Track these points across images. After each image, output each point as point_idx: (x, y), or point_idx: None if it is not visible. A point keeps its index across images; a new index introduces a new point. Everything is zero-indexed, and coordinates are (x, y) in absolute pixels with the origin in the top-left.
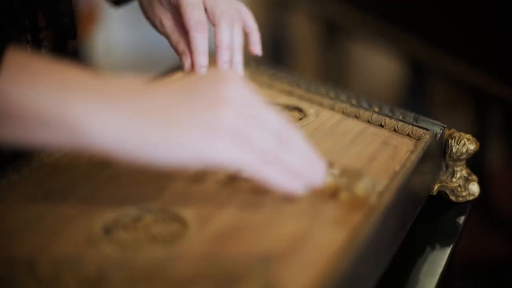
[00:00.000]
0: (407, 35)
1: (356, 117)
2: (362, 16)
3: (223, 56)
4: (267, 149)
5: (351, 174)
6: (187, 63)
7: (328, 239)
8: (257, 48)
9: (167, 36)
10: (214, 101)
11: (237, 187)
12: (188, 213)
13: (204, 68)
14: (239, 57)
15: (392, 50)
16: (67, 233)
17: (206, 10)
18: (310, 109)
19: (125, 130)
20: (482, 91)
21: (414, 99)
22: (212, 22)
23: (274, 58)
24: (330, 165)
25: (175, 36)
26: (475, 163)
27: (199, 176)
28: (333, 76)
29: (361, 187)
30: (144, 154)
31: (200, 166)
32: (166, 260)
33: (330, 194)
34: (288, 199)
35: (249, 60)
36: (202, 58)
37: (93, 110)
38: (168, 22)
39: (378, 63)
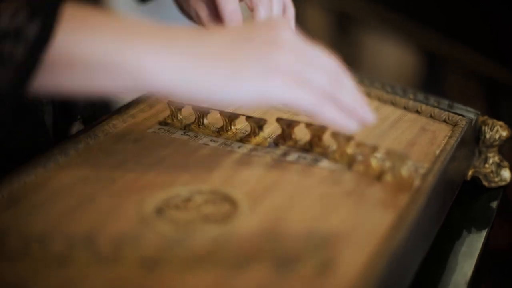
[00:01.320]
0: (421, 26)
1: (393, 103)
2: (375, 7)
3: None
4: (323, 88)
5: (394, 158)
6: None
7: (377, 220)
8: (291, 24)
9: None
10: (271, 43)
11: (284, 169)
12: (237, 195)
13: None
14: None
15: (405, 41)
16: (121, 212)
17: None
18: None
19: (186, 68)
20: (498, 82)
21: (427, 90)
22: (250, 8)
23: None
24: (375, 148)
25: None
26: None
27: (245, 159)
28: (345, 66)
29: (406, 169)
30: (205, 91)
31: (259, 104)
32: (222, 238)
33: (375, 176)
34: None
35: None
36: None
37: (154, 51)
38: (203, 13)
39: (391, 55)
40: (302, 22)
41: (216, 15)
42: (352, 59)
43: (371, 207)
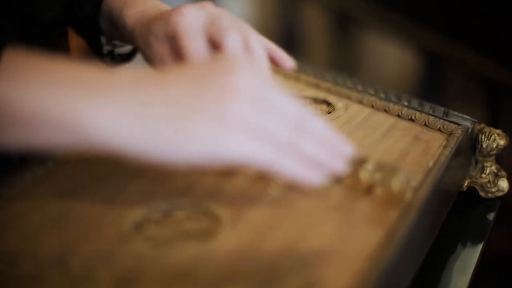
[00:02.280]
0: (421, 26)
1: (386, 111)
2: (375, 6)
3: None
4: (283, 139)
5: (385, 169)
6: None
7: (364, 237)
8: (289, 63)
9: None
10: (226, 92)
11: (268, 182)
12: (220, 209)
13: None
14: (279, 52)
15: (405, 41)
16: (97, 229)
17: (208, 35)
18: (339, 103)
19: (132, 126)
20: (499, 83)
21: (428, 91)
22: (217, 41)
23: (285, 49)
24: (364, 160)
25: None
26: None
27: (229, 171)
28: (345, 68)
29: (397, 182)
30: (153, 151)
31: (212, 163)
32: (201, 257)
33: (364, 189)
34: (310, 191)
35: None
36: None
37: (96, 107)
38: (169, 58)
39: (391, 55)
40: (301, 21)
41: (180, 56)
42: (352, 59)
43: (359, 223)
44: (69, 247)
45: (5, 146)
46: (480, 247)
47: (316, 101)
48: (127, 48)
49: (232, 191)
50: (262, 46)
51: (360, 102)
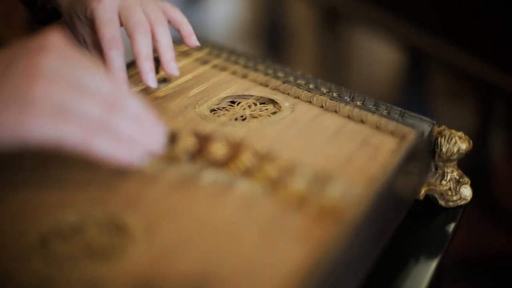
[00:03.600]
0: (408, 23)
1: (336, 111)
2: (363, 4)
3: (144, 66)
4: (92, 118)
5: (322, 179)
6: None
7: (289, 256)
8: (192, 40)
9: (91, 54)
10: (30, 75)
11: (194, 191)
12: (134, 222)
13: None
14: (168, 56)
15: (392, 38)
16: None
17: (121, 22)
18: (286, 102)
19: None
20: (484, 81)
21: (413, 89)
22: (128, 35)
23: (270, 44)
24: (298, 168)
25: (97, 54)
26: (477, 156)
27: (154, 178)
28: (330, 64)
29: (333, 194)
30: None
31: (16, 145)
32: (101, 280)
33: (296, 202)
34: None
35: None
36: (120, 74)
37: None
38: (89, 38)
39: (377, 52)
40: (287, 16)
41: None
42: (337, 55)
43: (285, 240)
44: None
45: None
46: (435, 262)
47: (261, 100)
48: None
49: (151, 201)
50: (167, 34)
51: (309, 101)
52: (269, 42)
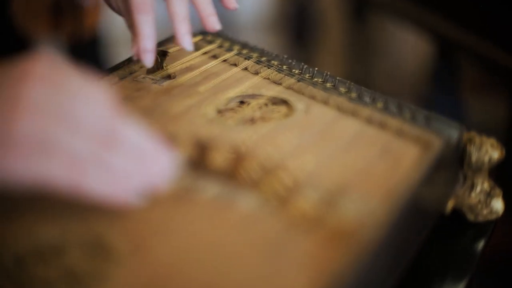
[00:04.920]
0: (439, 13)
1: (354, 115)
2: None
3: (181, 28)
4: (85, 155)
5: (336, 193)
6: (133, 49)
7: (294, 281)
8: (211, 21)
9: (123, 18)
10: (12, 106)
11: (193, 205)
12: (121, 242)
13: (149, 54)
14: (209, 10)
15: (420, 29)
16: None
17: None
18: (299, 104)
19: None
20: None
21: (442, 80)
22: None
23: (297, 33)
24: (308, 183)
25: (129, 18)
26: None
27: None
28: (358, 52)
29: (348, 211)
30: None
31: (9, 188)
32: None
33: (305, 220)
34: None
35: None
36: (146, 42)
37: None
38: (121, 2)
39: (407, 41)
40: (315, 3)
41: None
42: (365, 43)
43: (291, 263)
44: None
45: None
46: (462, 285)
47: (274, 101)
48: None
49: (138, 219)
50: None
51: (325, 103)
52: (295, 32)
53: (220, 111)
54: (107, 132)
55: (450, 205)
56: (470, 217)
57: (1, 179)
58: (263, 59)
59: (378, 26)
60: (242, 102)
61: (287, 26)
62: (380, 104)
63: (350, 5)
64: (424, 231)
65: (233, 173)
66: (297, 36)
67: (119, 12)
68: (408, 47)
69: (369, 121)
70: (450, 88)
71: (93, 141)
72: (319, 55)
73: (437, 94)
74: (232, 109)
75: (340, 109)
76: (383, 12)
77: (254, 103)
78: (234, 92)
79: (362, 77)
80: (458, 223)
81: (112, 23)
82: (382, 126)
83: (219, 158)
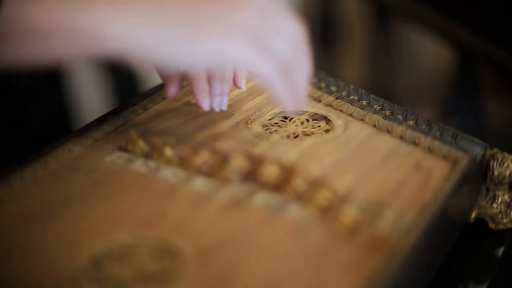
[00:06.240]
0: (459, 21)
1: (389, 132)
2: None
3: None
4: (283, 58)
5: (373, 207)
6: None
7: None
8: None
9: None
10: (234, 4)
11: (245, 215)
12: (186, 247)
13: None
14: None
15: (442, 35)
16: (47, 267)
17: None
18: (339, 120)
19: (143, 27)
20: None
21: (462, 86)
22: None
23: (321, 37)
24: (349, 197)
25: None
26: None
27: (205, 201)
28: (380, 58)
29: (384, 223)
30: (163, 53)
31: (217, 63)
32: None
33: (347, 230)
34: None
35: None
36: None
37: (110, 12)
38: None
39: (428, 48)
40: (338, 9)
41: None
42: (388, 48)
43: (337, 270)
44: None
45: (22, 62)
46: (485, 286)
47: (315, 117)
48: None
49: (204, 225)
50: None
51: (362, 120)
52: (319, 38)
53: (265, 126)
54: (297, 44)
55: (474, 214)
56: (492, 225)
57: (220, 55)
58: None
59: (400, 32)
60: (285, 117)
61: (311, 33)
62: (411, 122)
63: (373, 12)
64: (452, 238)
65: (281, 186)
66: (320, 43)
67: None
68: (429, 53)
69: (402, 138)
70: (470, 94)
71: (289, 48)
72: (342, 61)
73: (457, 100)
74: (276, 123)
75: (376, 126)
76: (405, 19)
77: (296, 118)
78: (278, 108)
79: (385, 82)
80: (481, 231)
81: None
82: (414, 143)
83: (268, 171)
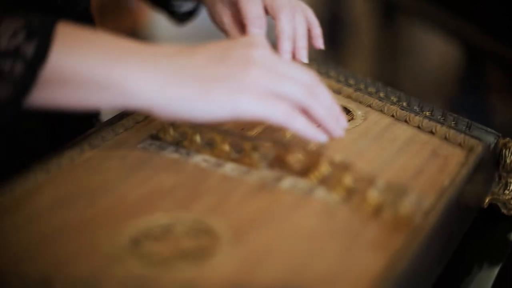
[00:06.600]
0: (464, 19)
1: (406, 121)
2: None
3: (284, 46)
4: (296, 99)
5: (395, 190)
6: None
7: (368, 265)
8: (319, 42)
9: (226, 33)
10: (244, 62)
11: (275, 197)
12: (221, 227)
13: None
14: (302, 43)
15: (449, 33)
16: (91, 245)
17: (265, 6)
18: (358, 111)
19: (166, 86)
20: None
21: (469, 83)
22: (272, 15)
23: (329, 36)
24: (374, 179)
25: (234, 32)
26: None
27: (236, 184)
28: (388, 56)
29: (406, 204)
30: (182, 108)
31: (231, 117)
32: (195, 280)
33: (372, 211)
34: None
35: None
36: None
37: (139, 71)
38: (227, 19)
39: (435, 45)
40: (346, 8)
41: (240, 22)
42: (395, 47)
43: (363, 248)
44: (57, 266)
45: (59, 105)
46: (497, 268)
47: None
48: (188, 7)
49: (236, 207)
50: (304, 24)
51: (381, 110)
52: (328, 36)
53: None
54: (310, 86)
55: (487, 200)
56: (504, 211)
57: (234, 110)
58: (322, 70)
59: (408, 31)
60: None
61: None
62: (427, 113)
63: (380, 11)
64: (467, 222)
65: (307, 170)
66: (329, 41)
67: (222, 29)
68: (436, 51)
69: (419, 127)
70: (477, 91)
71: (302, 91)
72: (351, 60)
73: (464, 97)
74: None
75: (394, 116)
76: (413, 18)
77: None
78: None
79: (392, 80)
80: (493, 216)
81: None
82: (431, 132)
83: (294, 157)
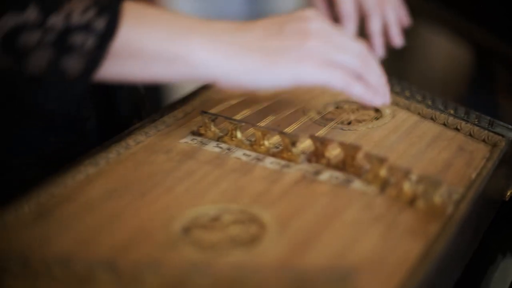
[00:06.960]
0: (475, 20)
1: (432, 119)
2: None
3: (377, 41)
4: (353, 68)
5: (428, 182)
6: None
7: (406, 250)
8: (397, 40)
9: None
10: (301, 34)
11: (315, 189)
12: (266, 216)
13: None
14: (395, 30)
15: (458, 34)
16: (146, 232)
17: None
18: (387, 109)
19: (230, 57)
20: None
21: (478, 84)
22: (363, 14)
23: None
24: (408, 171)
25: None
26: None
27: (277, 177)
28: (396, 58)
29: (439, 195)
30: (247, 78)
31: (292, 84)
32: (246, 265)
33: (407, 201)
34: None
35: None
36: None
37: (204, 45)
38: (320, 11)
39: (443, 47)
40: None
41: (331, 14)
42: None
43: (401, 235)
44: (119, 251)
45: (126, 79)
46: None
47: (364, 106)
48: None
49: (279, 198)
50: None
51: (407, 109)
52: None
53: (320, 114)
54: (364, 56)
55: (509, 193)
56: None
57: (296, 78)
58: None
59: (415, 32)
60: (336, 107)
61: None
62: (451, 110)
63: None
64: (491, 213)
65: (344, 163)
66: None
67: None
68: (444, 53)
69: (445, 124)
70: (486, 93)
71: (357, 60)
72: None
73: (472, 99)
74: (331, 112)
75: (421, 114)
76: (420, 19)
77: (347, 106)
78: (331, 98)
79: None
80: None
81: None
82: (456, 129)
83: (332, 151)
